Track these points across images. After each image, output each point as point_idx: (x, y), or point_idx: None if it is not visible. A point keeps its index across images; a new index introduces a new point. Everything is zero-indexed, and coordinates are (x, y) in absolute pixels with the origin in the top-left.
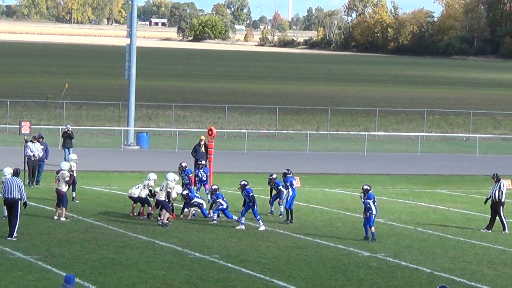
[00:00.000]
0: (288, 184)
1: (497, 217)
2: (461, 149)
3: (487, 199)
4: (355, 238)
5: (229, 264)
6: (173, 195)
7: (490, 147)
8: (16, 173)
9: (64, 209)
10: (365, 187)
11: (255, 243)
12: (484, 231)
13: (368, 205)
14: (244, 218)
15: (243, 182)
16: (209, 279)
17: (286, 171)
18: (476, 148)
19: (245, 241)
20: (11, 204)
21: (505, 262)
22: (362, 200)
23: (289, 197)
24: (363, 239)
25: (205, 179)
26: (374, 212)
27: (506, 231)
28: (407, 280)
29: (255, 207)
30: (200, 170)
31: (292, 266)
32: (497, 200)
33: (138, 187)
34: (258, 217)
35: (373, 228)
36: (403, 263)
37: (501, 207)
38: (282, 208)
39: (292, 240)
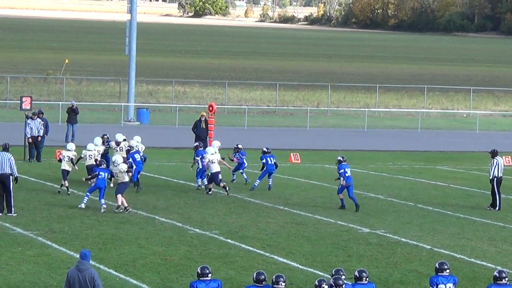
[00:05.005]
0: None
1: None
2: (461, 125)
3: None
4: (355, 215)
5: (229, 240)
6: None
7: (490, 123)
8: (5, 148)
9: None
10: (338, 158)
11: (255, 219)
12: (489, 209)
13: (341, 175)
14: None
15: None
16: (209, 255)
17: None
18: (476, 124)
19: (245, 217)
20: (2, 180)
21: (505, 238)
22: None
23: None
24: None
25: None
26: (341, 182)
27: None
28: (407, 256)
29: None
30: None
31: (292, 242)
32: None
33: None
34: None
35: (340, 195)
36: (403, 239)
37: (496, 184)
38: (245, 176)
39: (292, 216)
